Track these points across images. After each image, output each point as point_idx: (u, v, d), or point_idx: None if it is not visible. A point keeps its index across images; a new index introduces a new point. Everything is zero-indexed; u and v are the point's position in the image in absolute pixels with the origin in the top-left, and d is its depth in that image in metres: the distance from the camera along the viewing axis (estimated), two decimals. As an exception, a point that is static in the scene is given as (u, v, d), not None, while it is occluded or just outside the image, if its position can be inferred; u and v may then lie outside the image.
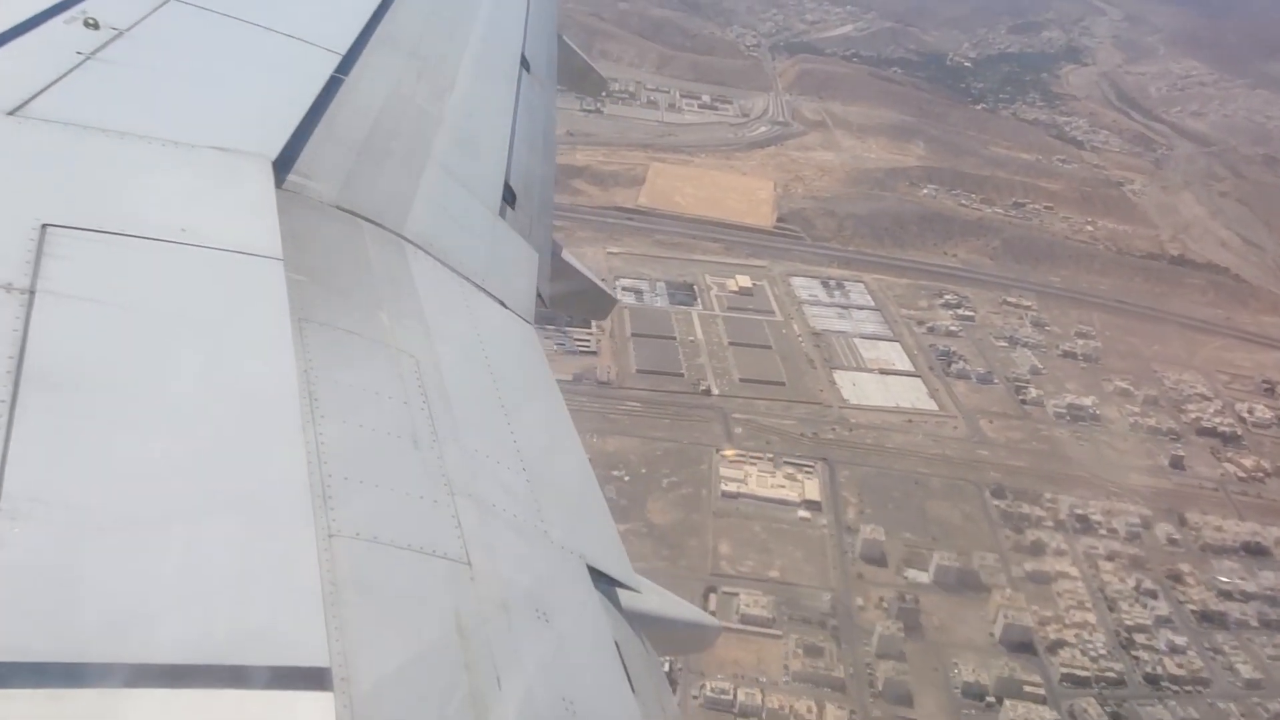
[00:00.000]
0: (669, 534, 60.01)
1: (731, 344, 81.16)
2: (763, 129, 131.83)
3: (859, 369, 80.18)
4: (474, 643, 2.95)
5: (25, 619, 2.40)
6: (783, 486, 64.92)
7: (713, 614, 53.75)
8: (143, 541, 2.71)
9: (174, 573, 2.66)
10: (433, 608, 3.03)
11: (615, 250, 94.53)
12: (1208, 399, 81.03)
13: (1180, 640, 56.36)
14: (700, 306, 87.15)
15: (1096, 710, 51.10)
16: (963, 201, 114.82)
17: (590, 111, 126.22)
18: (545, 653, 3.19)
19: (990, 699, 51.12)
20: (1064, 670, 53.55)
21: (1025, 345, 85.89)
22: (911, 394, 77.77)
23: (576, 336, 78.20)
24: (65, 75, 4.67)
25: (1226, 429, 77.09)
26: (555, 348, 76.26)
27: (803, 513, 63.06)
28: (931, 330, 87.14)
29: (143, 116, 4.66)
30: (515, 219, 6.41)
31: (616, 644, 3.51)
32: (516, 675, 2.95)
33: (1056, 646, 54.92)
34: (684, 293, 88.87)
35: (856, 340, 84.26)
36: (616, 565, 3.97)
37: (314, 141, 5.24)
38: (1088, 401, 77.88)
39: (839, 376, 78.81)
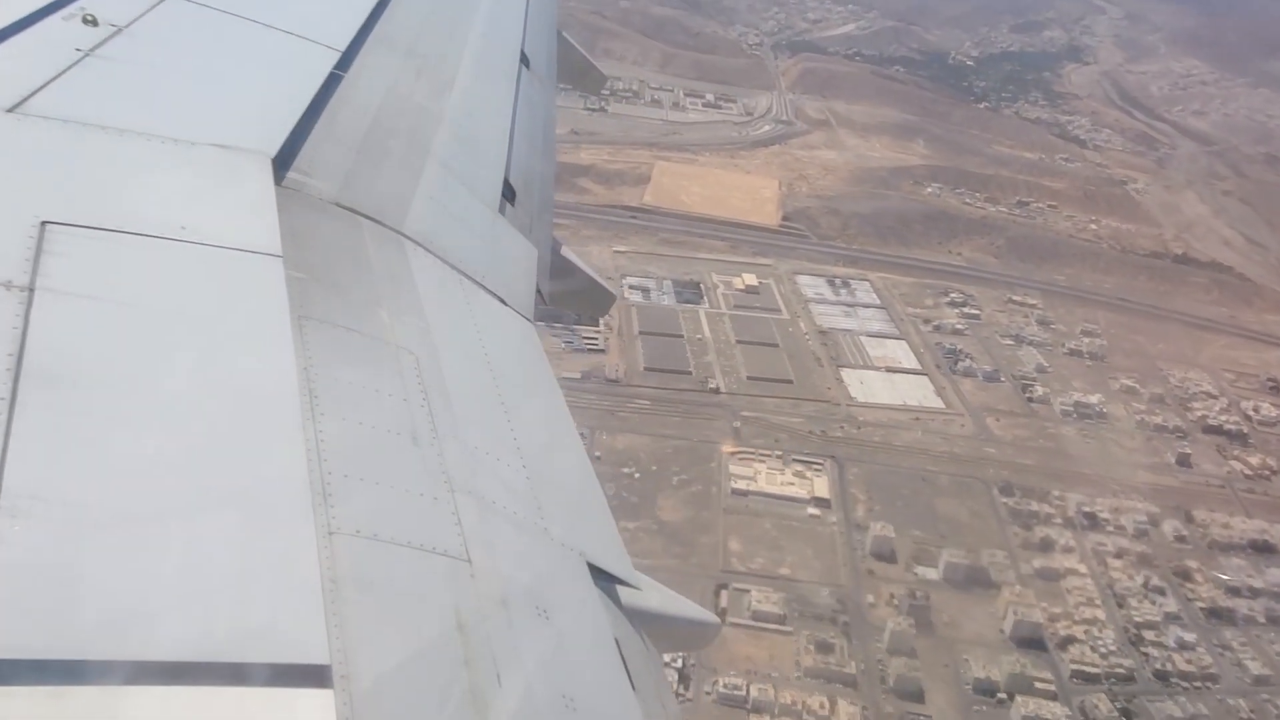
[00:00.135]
0: (680, 531, 60.23)
1: (739, 342, 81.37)
2: (766, 128, 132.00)
3: (866, 367, 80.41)
4: (474, 640, 2.94)
5: (25, 616, 2.39)
6: (792, 484, 65.17)
7: (724, 611, 54.17)
8: (143, 538, 2.70)
9: (174, 570, 2.65)
10: (433, 605, 3.02)
11: (621, 249, 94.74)
12: (1213, 397, 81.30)
13: (1189, 637, 56.64)
14: (707, 305, 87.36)
15: (1107, 706, 51.39)
16: (967, 200, 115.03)
17: (594, 110, 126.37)
18: (545, 650, 3.19)
19: (1001, 695, 51.38)
20: (1074, 666, 53.81)
21: (1031, 343, 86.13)
22: (918, 392, 78.02)
23: (584, 334, 78.39)
24: (64, 72, 4.65)
25: (1232, 427, 77.37)
26: (563, 345, 76.54)
27: (812, 510, 63.31)
28: (937, 328, 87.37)
29: (142, 114, 4.65)
30: (515, 216, 6.43)
31: (616, 641, 3.50)
32: (516, 672, 2.95)
33: (1066, 643, 55.18)
34: (690, 291, 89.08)
35: (863, 338, 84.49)
36: (617, 562, 3.95)
37: (313, 139, 5.23)
38: (1094, 399, 78.15)
39: (846, 374, 79.03)
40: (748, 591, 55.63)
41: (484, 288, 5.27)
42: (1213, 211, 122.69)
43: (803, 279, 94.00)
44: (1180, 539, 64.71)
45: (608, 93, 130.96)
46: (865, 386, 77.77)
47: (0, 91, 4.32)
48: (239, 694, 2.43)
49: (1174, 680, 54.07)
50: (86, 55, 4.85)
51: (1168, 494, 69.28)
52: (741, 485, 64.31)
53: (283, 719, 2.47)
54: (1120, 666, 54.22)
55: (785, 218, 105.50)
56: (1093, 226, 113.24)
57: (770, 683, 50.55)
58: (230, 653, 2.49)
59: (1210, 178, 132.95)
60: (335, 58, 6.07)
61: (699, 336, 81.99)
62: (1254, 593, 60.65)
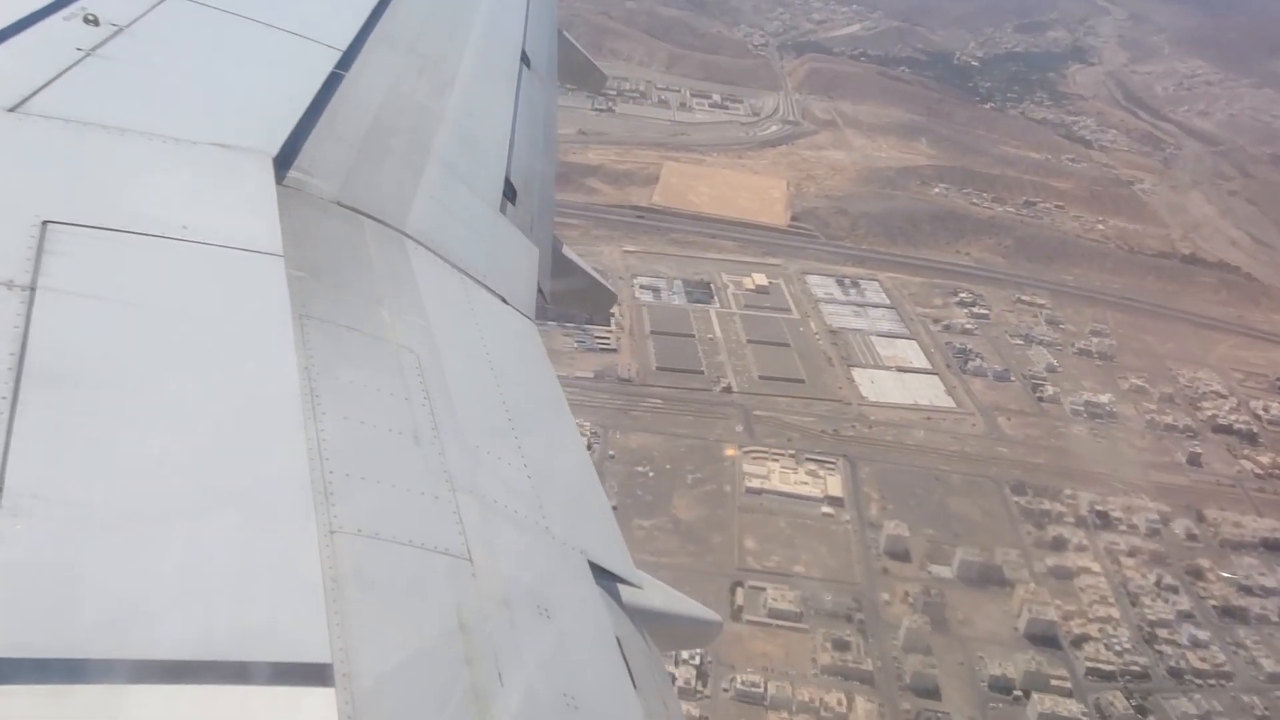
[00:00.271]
0: (695, 529, 60.52)
1: (750, 342, 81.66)
2: (774, 128, 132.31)
3: (877, 366, 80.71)
4: (475, 639, 2.94)
5: (27, 615, 2.39)
6: (805, 483, 65.46)
7: (740, 609, 54.49)
8: (144, 538, 2.70)
9: (175, 569, 2.65)
10: (434, 604, 3.02)
11: (631, 249, 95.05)
12: (1223, 397, 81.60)
13: (1203, 635, 56.99)
14: (718, 304, 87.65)
15: (1123, 703, 51.67)
16: (974, 200, 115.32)
17: (602, 111, 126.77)
18: (547, 648, 3.19)
19: (1017, 692, 51.65)
20: (1088, 664, 54.13)
21: (1040, 343, 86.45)
22: (929, 391, 78.31)
23: (596, 334, 78.70)
24: (65, 72, 4.63)
25: (1242, 426, 77.67)
26: (575, 345, 76.92)
27: (826, 509, 63.60)
28: (947, 328, 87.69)
29: (143, 113, 4.64)
30: (516, 215, 6.41)
31: (618, 640, 3.49)
32: (518, 671, 2.95)
33: (1080, 641, 55.49)
34: (701, 291, 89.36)
35: (873, 338, 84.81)
36: (618, 561, 3.96)
37: (314, 138, 5.22)
38: (1104, 399, 78.44)
39: (857, 374, 79.33)
40: (763, 589, 55.92)
41: (485, 287, 5.27)
42: (1219, 212, 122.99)
43: (812, 279, 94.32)
44: (1192, 538, 65.03)
45: (615, 93, 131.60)
46: (876, 386, 78.06)
47: (1, 91, 4.31)
48: (241, 693, 2.43)
49: (1188, 678, 54.42)
50: (87, 55, 4.84)
51: (1179, 493, 69.58)
52: (755, 484, 64.62)
53: (284, 718, 2.47)
54: (1135, 664, 54.55)
55: (794, 218, 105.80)
56: (1100, 227, 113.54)
57: (787, 680, 50.81)
58: (232, 651, 2.48)
59: (1216, 178, 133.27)
60: (336, 57, 6.07)
61: (710, 336, 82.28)
62: (1266, 591, 60.96)
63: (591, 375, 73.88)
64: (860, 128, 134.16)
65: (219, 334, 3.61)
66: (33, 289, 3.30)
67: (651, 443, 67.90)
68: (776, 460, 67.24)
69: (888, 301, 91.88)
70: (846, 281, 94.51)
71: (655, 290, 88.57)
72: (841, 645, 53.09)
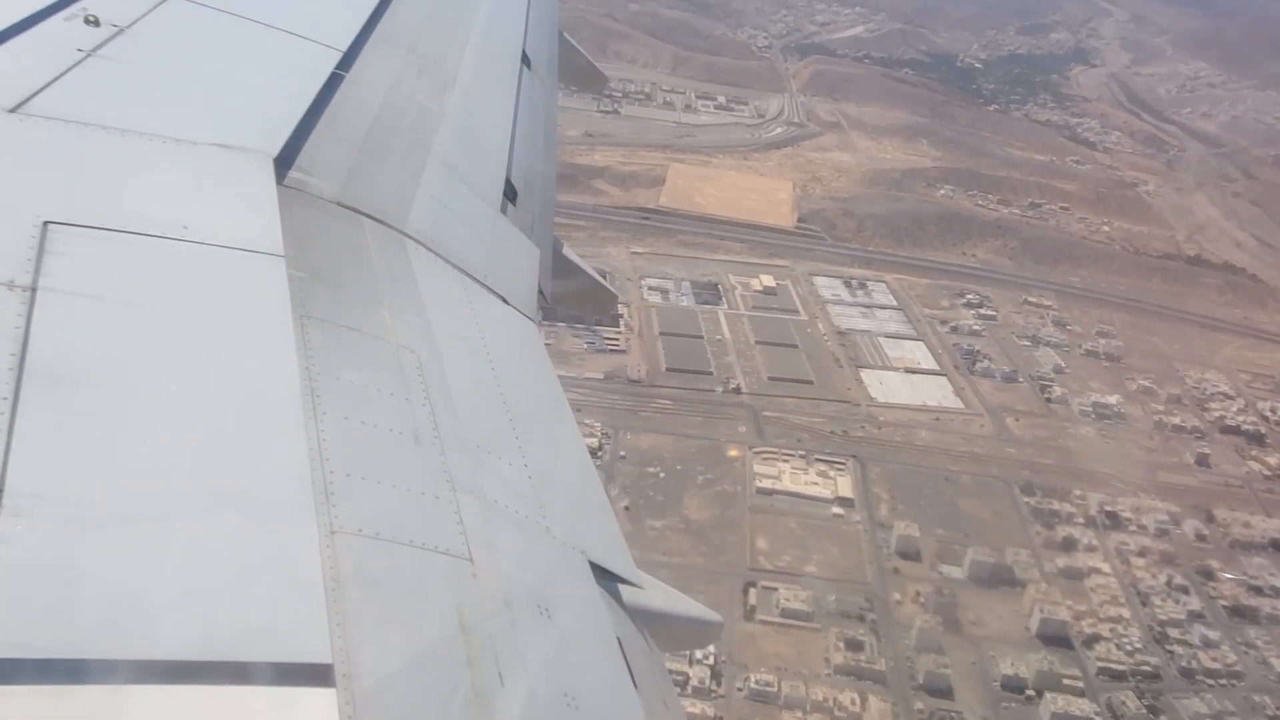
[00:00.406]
0: (706, 530, 60.71)
1: (758, 343, 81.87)
2: (779, 130, 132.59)
3: (885, 368, 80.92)
4: (476, 639, 2.94)
5: (28, 615, 2.40)
6: (816, 483, 65.65)
7: (753, 608, 54.65)
8: (145, 538, 2.70)
9: (176, 569, 2.65)
10: (435, 604, 3.02)
11: (639, 250, 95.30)
12: (1230, 398, 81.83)
13: (1213, 635, 57.15)
14: (726, 306, 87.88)
15: (1135, 703, 51.84)
16: (979, 202, 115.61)
17: (607, 113, 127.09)
18: (547, 649, 3.19)
19: (1029, 692, 51.81)
20: (1100, 664, 54.30)
21: (1048, 344, 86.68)
22: (938, 392, 78.52)
23: (605, 335, 78.93)
24: (66, 72, 4.64)
25: (1250, 427, 77.90)
26: (585, 346, 77.14)
27: (836, 509, 63.79)
28: (955, 329, 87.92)
29: (144, 113, 4.64)
30: (517, 215, 6.41)
31: (619, 640, 3.50)
32: (519, 671, 2.95)
33: (1092, 641, 55.66)
34: (709, 292, 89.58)
35: (881, 339, 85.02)
36: (619, 561, 3.96)
37: (315, 138, 5.22)
38: (1112, 400, 78.67)
39: (866, 375, 79.53)
40: (776, 589, 56.07)
41: (486, 287, 5.28)
42: (1224, 213, 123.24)
43: (819, 280, 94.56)
44: (1201, 538, 65.22)
45: (620, 95, 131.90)
46: (885, 387, 78.27)
47: (2, 92, 4.31)
48: (241, 693, 2.44)
49: (1199, 678, 54.57)
50: (88, 55, 4.85)
51: (1187, 494, 69.79)
52: (766, 484, 64.81)
53: (285, 718, 2.47)
54: (1146, 664, 54.72)
55: (800, 219, 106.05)
56: (1105, 228, 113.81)
57: (801, 679, 50.98)
58: (233, 652, 2.49)
59: (1220, 180, 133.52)
60: (337, 57, 6.07)
61: (719, 337, 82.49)
62: (1276, 592, 61.13)
63: (601, 376, 74.12)
64: (865, 129, 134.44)
65: (219, 334, 3.62)
66: (34, 289, 3.29)
67: (662, 443, 68.10)
68: (787, 461, 67.44)
69: (895, 303, 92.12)
70: (853, 283, 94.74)
71: (663, 291, 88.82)
72: (854, 645, 53.28)
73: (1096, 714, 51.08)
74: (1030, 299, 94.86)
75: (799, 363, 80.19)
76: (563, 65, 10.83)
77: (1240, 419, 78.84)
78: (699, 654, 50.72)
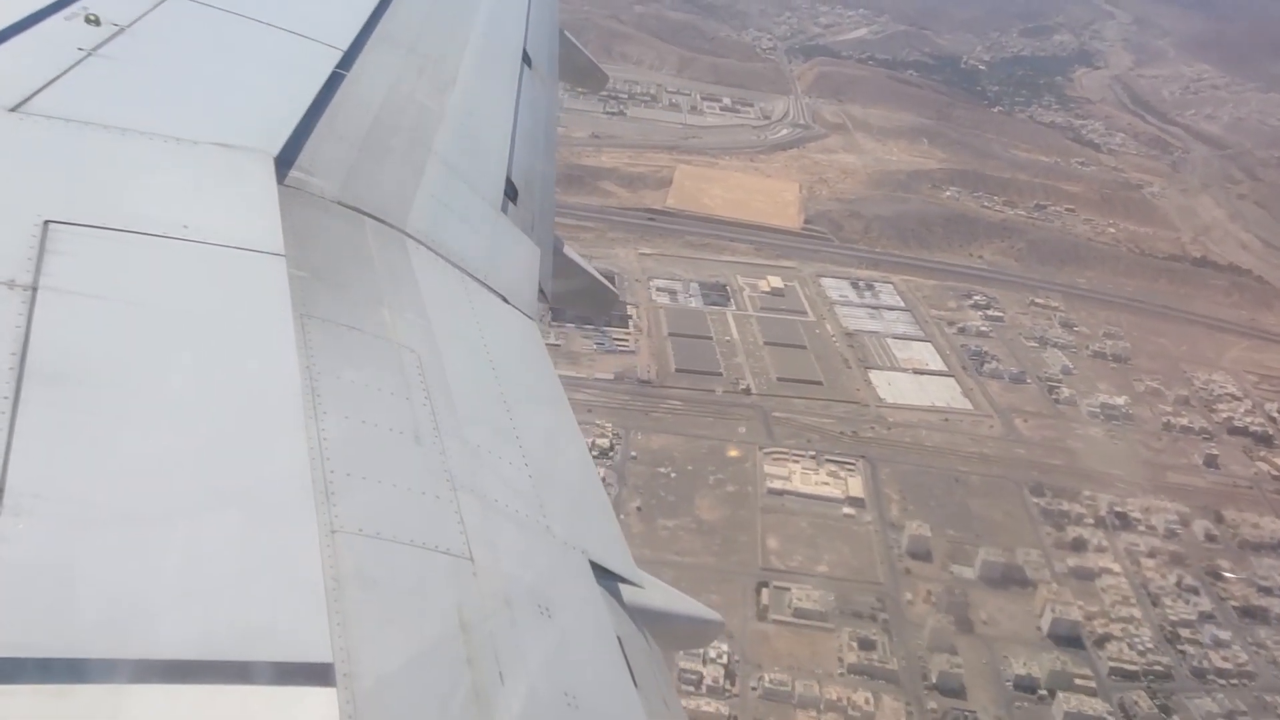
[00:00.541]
0: (718, 529, 60.90)
1: (767, 344, 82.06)
2: (784, 131, 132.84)
3: (893, 369, 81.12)
4: (476, 638, 2.94)
5: (29, 614, 2.40)
6: (826, 484, 65.85)
7: (765, 608, 54.82)
8: (146, 537, 2.70)
9: (177, 568, 2.65)
10: (435, 603, 3.02)
11: (647, 251, 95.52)
12: (1238, 399, 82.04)
13: (1224, 635, 57.34)
14: (734, 307, 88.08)
15: (1147, 703, 52.02)
16: (985, 204, 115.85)
17: (614, 114, 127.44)
18: (548, 648, 3.19)
19: (1042, 691, 51.99)
20: (1112, 664, 54.49)
21: (1055, 345, 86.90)
22: (946, 393, 78.71)
23: (615, 336, 79.15)
24: (67, 72, 4.63)
25: (1258, 428, 78.14)
26: (595, 347, 77.34)
27: (847, 509, 63.99)
28: (962, 331, 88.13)
29: (144, 113, 4.64)
30: (517, 214, 6.41)
31: (619, 639, 3.49)
32: (519, 670, 2.95)
33: (1103, 641, 55.85)
34: (717, 293, 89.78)
35: (889, 340, 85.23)
36: (619, 560, 3.97)
37: (316, 137, 5.22)
38: (1120, 401, 78.87)
39: (874, 376, 79.74)
40: (788, 589, 56.25)
41: (486, 286, 5.28)
42: (1229, 215, 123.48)
43: (827, 281, 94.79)
44: (1211, 539, 65.43)
45: (626, 96, 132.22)
46: (893, 388, 78.47)
47: (3, 91, 4.31)
48: (242, 692, 2.44)
49: (1211, 677, 54.77)
50: (89, 55, 4.84)
51: (1196, 495, 69.97)
52: (777, 485, 65.01)
53: (286, 717, 2.48)
54: (1158, 664, 54.91)
55: (807, 221, 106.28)
56: (1111, 230, 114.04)
57: (814, 679, 51.15)
58: (233, 651, 2.49)
59: (1225, 181, 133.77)
60: (337, 57, 6.07)
61: (727, 338, 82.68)
62: (1286, 592, 61.35)
63: (611, 377, 74.33)
64: (870, 131, 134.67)
65: (220, 333, 3.62)
66: (34, 289, 3.29)
67: (673, 444, 68.29)
68: (797, 461, 67.64)
69: (902, 304, 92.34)
70: (861, 284, 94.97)
71: (671, 293, 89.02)
72: (867, 644, 53.46)
73: (1109, 713, 51.28)
74: (1037, 300, 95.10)
75: (808, 364, 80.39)
76: (563, 64, 10.90)
77: (1248, 420, 79.07)
78: (713, 653, 50.95)
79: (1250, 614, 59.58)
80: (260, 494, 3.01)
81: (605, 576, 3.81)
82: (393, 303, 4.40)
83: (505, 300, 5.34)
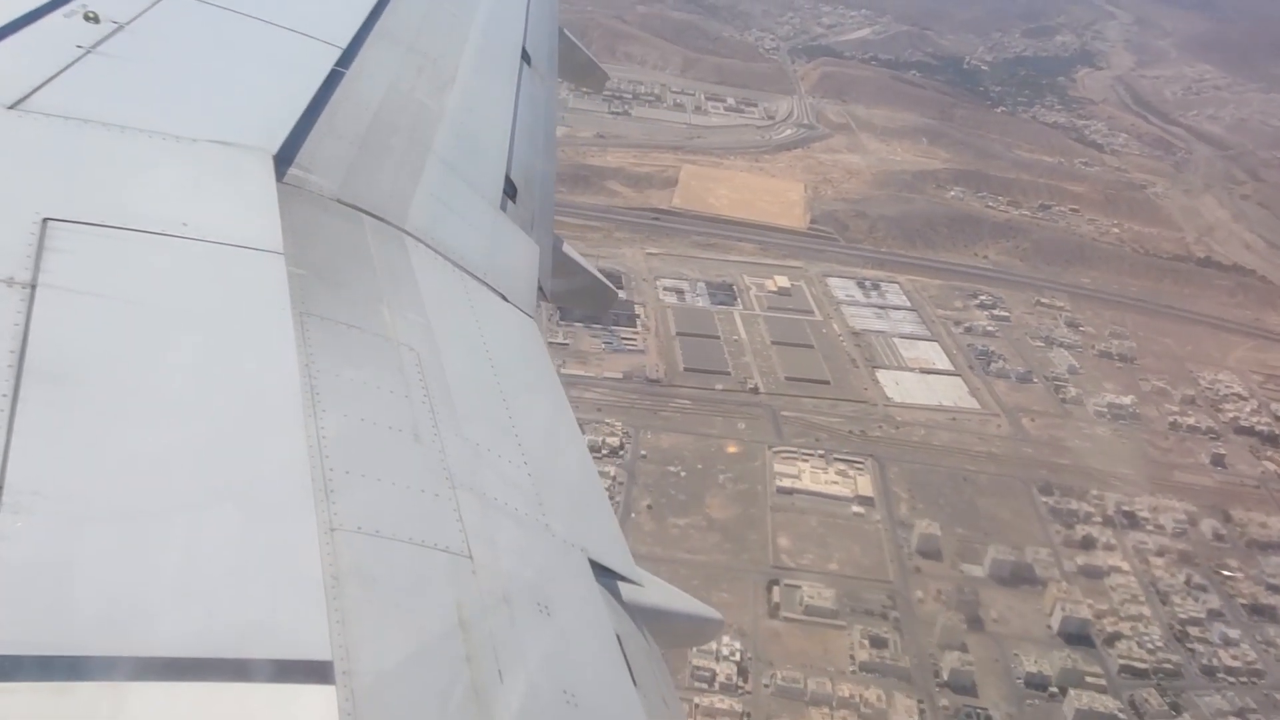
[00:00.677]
0: (729, 528, 61.13)
1: (774, 343, 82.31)
2: (788, 132, 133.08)
3: (900, 368, 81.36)
4: (476, 636, 2.93)
5: (28, 612, 2.40)
6: (835, 482, 66.09)
7: (777, 606, 55.04)
8: (145, 535, 2.70)
9: (176, 566, 2.65)
10: (434, 601, 3.02)
11: (654, 250, 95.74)
12: (1243, 399, 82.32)
13: (1233, 633, 57.62)
14: (741, 306, 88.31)
15: (1157, 700, 52.26)
16: (990, 204, 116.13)
17: (618, 114, 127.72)
18: (547, 646, 3.18)
19: (1053, 689, 52.23)
20: (1122, 662, 54.75)
21: (1061, 345, 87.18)
22: (953, 392, 78.96)
23: (623, 335, 79.39)
24: (66, 69, 4.62)
25: (1264, 428, 78.41)
26: (603, 346, 77.56)
27: (856, 508, 64.23)
28: (968, 330, 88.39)
29: (143, 110, 4.63)
30: (516, 212, 6.39)
31: (618, 637, 3.50)
32: (518, 668, 2.95)
33: (1113, 639, 56.08)
34: (724, 293, 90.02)
35: (896, 340, 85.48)
36: (618, 558, 3.97)
37: (315, 135, 5.21)
38: (1127, 400, 79.14)
39: (882, 375, 79.99)
40: (799, 587, 56.48)
41: (485, 284, 5.27)
42: (1232, 215, 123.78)
43: (833, 281, 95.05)
44: (1219, 537, 65.70)
45: (631, 96, 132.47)
46: (901, 387, 78.72)
47: (2, 88, 4.29)
48: (241, 690, 2.44)
49: (1220, 675, 55.02)
50: (88, 52, 4.83)
51: (1204, 494, 70.24)
52: (786, 483, 65.23)
53: (285, 715, 2.48)
54: (1168, 662, 55.16)
55: (812, 220, 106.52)
56: (1115, 230, 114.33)
57: (827, 676, 51.36)
58: (232, 649, 2.49)
59: (1228, 182, 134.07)
60: (337, 55, 6.07)
61: (735, 338, 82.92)
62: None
63: (620, 376, 74.57)
64: (874, 131, 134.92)
65: (219, 331, 3.62)
66: (33, 286, 3.28)
67: (682, 443, 68.52)
68: (806, 460, 67.87)
69: (908, 304, 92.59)
70: (867, 284, 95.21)
71: (679, 292, 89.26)
72: (878, 642, 53.69)
73: (1120, 711, 51.50)
74: (1042, 300, 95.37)
75: (815, 363, 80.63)
76: (563, 62, 10.92)
77: (1254, 420, 79.36)
78: (725, 651, 51.23)
79: (1259, 612, 59.89)
80: (259, 492, 3.00)
81: (604, 574, 3.80)
82: (392, 301, 4.39)
83: (504, 298, 5.34)
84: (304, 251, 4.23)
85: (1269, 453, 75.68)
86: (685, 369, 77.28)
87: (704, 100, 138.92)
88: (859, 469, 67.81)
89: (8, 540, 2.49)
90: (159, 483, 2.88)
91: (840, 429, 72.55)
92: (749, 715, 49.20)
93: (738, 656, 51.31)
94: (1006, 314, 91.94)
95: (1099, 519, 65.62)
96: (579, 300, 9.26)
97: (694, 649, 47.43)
